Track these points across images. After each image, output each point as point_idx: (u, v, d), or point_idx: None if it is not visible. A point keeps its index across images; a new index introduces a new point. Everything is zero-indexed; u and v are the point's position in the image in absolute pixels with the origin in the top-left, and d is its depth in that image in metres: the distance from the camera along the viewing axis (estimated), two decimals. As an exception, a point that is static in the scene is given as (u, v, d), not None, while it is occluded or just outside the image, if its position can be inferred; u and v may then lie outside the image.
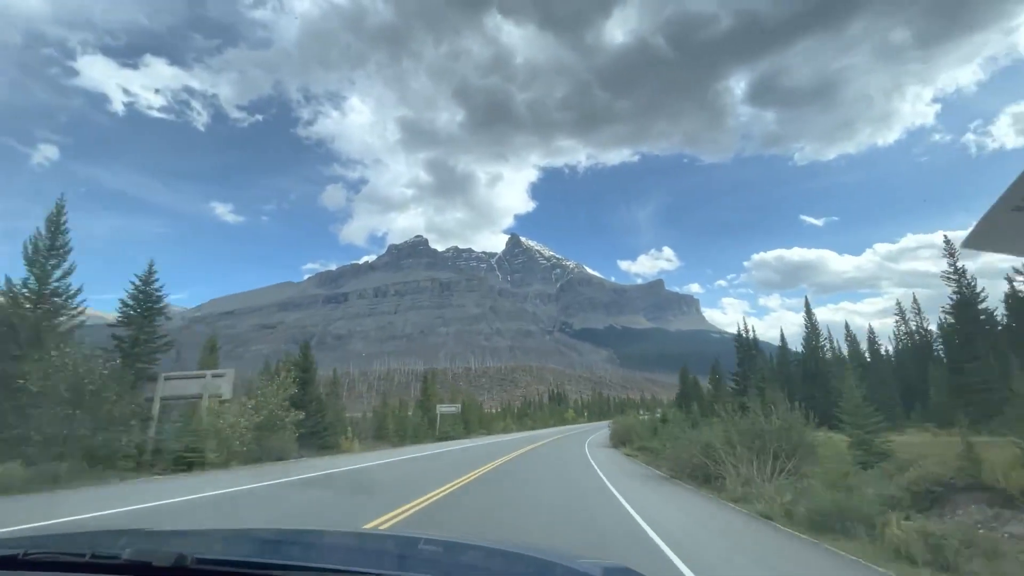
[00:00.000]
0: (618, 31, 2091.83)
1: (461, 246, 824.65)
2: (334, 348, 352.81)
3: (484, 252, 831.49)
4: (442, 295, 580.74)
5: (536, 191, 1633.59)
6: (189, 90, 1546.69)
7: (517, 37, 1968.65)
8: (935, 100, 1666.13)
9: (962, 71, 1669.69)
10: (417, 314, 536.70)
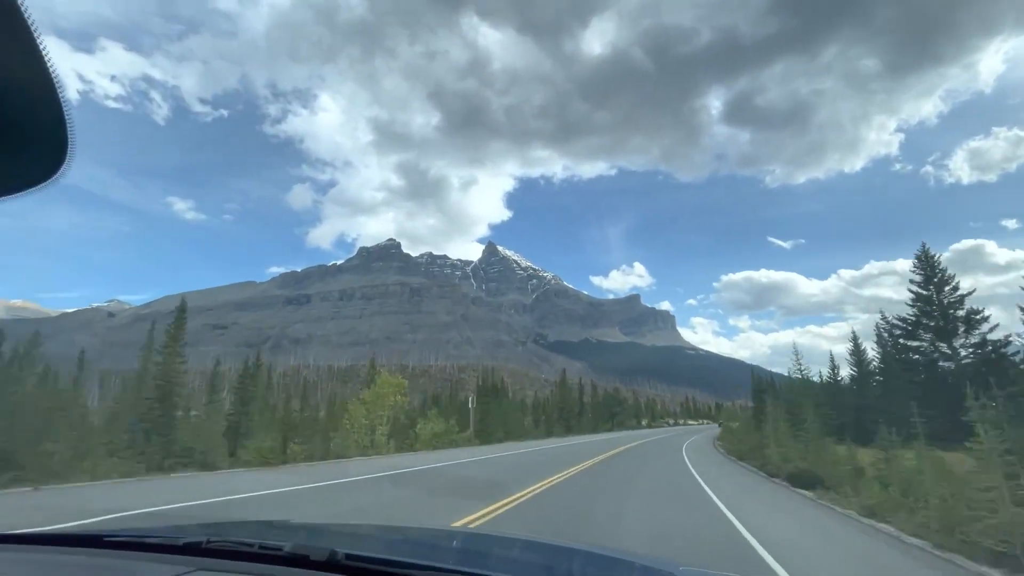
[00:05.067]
0: (596, 41, 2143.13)
1: (435, 252, 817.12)
2: (289, 352, 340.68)
3: (459, 260, 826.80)
4: (411, 300, 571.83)
5: (511, 200, 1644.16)
6: (148, 79, 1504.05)
7: (495, 41, 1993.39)
8: (898, 130, 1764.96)
9: (925, 102, 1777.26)
10: (384, 319, 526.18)
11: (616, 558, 0.95)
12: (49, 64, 0.26)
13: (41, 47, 0.26)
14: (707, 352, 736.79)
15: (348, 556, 0.88)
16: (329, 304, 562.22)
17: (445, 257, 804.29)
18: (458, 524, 6.87)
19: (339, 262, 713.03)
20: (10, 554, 1.05)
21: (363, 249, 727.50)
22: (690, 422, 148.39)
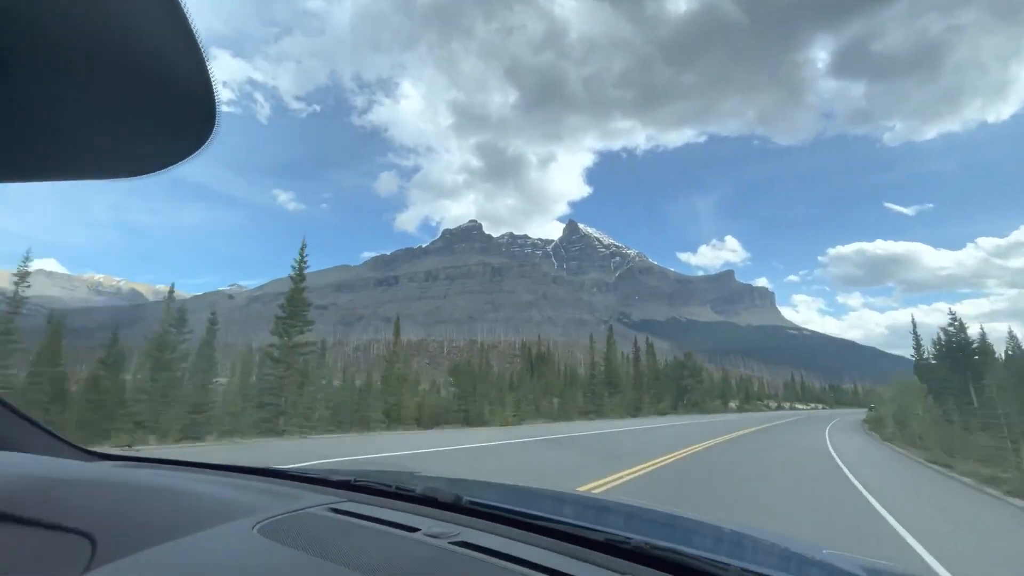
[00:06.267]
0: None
1: (516, 232, 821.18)
2: (381, 329, 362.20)
3: (540, 239, 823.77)
4: (493, 280, 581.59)
5: (592, 176, 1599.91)
6: (252, 82, 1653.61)
7: (571, 8, 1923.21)
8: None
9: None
10: (467, 299, 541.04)
11: (751, 535, 0.95)
12: (196, 35, 0.27)
13: (189, 19, 0.26)
14: (812, 332, 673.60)
15: (471, 501, 0.99)
16: (415, 285, 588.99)
17: (525, 237, 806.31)
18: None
19: (424, 245, 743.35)
20: (199, 474, 1.33)
21: (446, 231, 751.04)
22: (798, 406, 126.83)
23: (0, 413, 1.20)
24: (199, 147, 0.37)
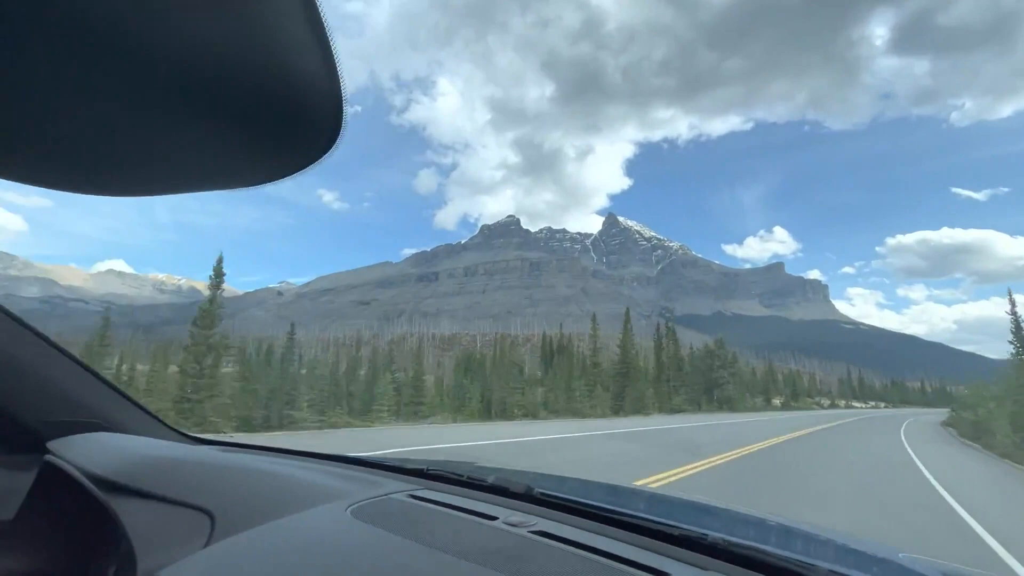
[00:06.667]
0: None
1: (554, 227, 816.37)
2: (421, 324, 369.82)
3: (578, 233, 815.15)
4: (531, 275, 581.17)
5: (631, 168, 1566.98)
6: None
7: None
8: None
9: None
10: (505, 294, 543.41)
11: (824, 536, 0.93)
12: (331, 40, 0.27)
13: (324, 24, 0.27)
14: (869, 327, 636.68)
15: (542, 492, 1.01)
16: (455, 280, 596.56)
17: (564, 231, 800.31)
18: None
19: (463, 241, 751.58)
20: (288, 459, 1.41)
21: (484, 227, 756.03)
22: (855, 405, 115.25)
23: (115, 399, 1.32)
24: (330, 148, 0.37)
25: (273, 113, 0.30)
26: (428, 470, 1.25)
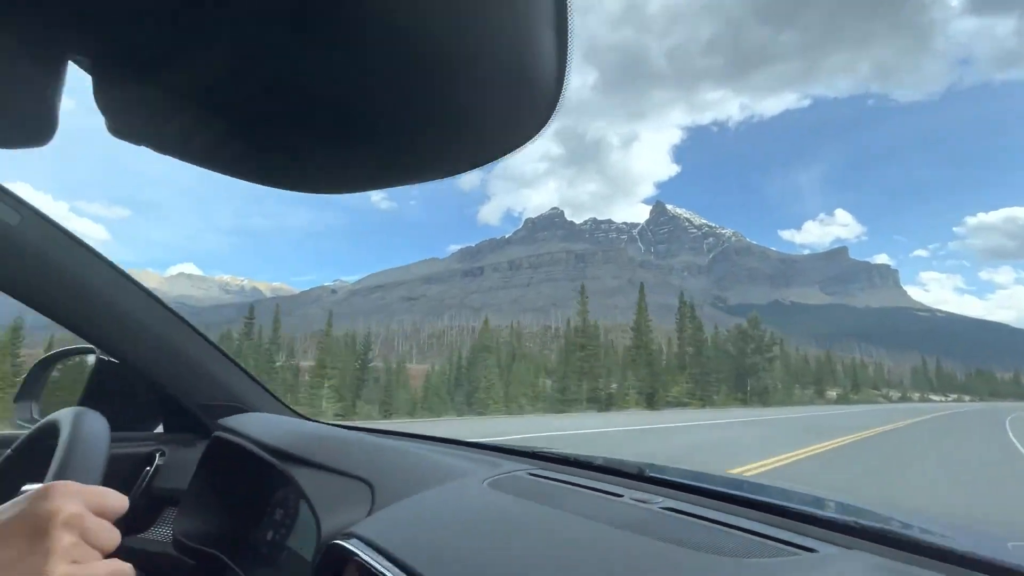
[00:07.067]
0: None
1: (599, 218, 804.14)
2: (469, 319, 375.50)
3: (624, 223, 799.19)
4: (577, 267, 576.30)
5: (679, 154, 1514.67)
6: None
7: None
8: None
9: None
10: (551, 286, 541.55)
11: (923, 525, 0.81)
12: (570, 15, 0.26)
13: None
14: (947, 313, 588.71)
15: (652, 475, 1.02)
16: (500, 275, 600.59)
17: (609, 221, 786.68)
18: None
19: (507, 235, 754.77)
20: (412, 443, 1.49)
21: (528, 220, 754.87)
22: (933, 398, 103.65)
23: (252, 386, 1.45)
24: (545, 125, 0.33)
25: (508, 84, 0.28)
26: (539, 452, 1.29)
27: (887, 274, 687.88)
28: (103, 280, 1.09)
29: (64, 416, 0.67)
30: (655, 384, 35.76)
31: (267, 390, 1.48)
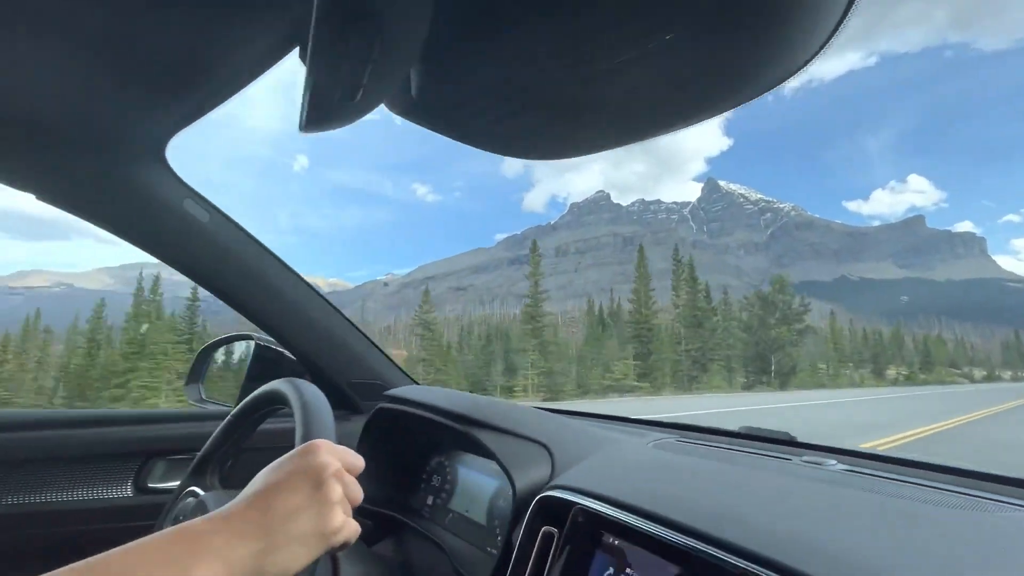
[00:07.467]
0: None
1: (647, 199, 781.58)
2: (515, 307, 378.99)
3: (674, 203, 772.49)
4: (624, 250, 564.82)
5: (731, 126, 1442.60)
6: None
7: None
8: None
9: None
10: (598, 271, 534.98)
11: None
12: None
13: None
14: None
15: (800, 441, 0.99)
16: (546, 261, 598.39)
17: (658, 202, 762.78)
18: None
19: (553, 221, 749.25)
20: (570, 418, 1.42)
21: (574, 205, 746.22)
22: None
23: (389, 366, 1.51)
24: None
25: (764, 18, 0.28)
26: (679, 423, 1.29)
27: (972, 243, 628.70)
28: (273, 272, 1.19)
29: (283, 385, 0.71)
30: (646, 365, 30.01)
31: (401, 369, 1.52)
